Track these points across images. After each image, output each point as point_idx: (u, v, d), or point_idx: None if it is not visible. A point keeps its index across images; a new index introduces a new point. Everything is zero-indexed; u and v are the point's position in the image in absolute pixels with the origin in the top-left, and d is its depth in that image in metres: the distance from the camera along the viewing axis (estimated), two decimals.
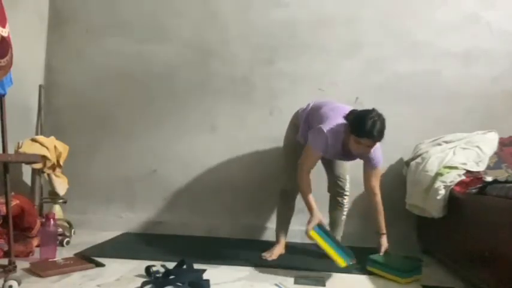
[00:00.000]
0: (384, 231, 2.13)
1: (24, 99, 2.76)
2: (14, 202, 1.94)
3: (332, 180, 2.36)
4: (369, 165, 2.08)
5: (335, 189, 2.35)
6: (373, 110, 1.89)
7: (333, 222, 2.40)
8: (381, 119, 1.86)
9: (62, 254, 2.10)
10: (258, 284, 1.77)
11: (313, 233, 1.87)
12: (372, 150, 1.98)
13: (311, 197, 2.02)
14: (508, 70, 2.61)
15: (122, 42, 2.91)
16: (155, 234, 2.70)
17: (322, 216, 1.98)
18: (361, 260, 2.22)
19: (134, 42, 2.90)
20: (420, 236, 2.48)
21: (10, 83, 1.82)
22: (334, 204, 2.37)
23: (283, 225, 2.33)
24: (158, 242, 2.47)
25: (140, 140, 2.89)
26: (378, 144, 1.98)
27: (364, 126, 1.83)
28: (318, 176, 2.28)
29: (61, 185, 2.54)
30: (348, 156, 2.08)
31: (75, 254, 2.10)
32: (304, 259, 2.20)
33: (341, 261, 1.86)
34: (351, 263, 1.89)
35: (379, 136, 1.86)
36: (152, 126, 2.89)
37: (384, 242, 2.12)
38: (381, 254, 2.06)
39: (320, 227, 1.92)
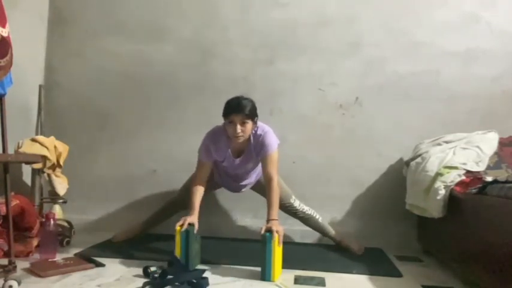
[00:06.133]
0: (273, 217, 1.93)
1: (24, 99, 2.76)
2: (14, 202, 1.93)
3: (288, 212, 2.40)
4: (263, 153, 2.11)
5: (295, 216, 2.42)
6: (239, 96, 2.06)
7: (317, 230, 2.46)
8: (244, 98, 2.04)
9: (62, 254, 2.10)
10: (258, 284, 1.77)
11: (179, 229, 1.84)
12: (263, 137, 2.09)
13: (197, 199, 2.06)
14: (508, 70, 2.61)
15: (122, 42, 2.91)
16: (155, 234, 2.69)
17: (196, 220, 1.94)
18: (360, 259, 2.23)
19: (134, 42, 2.90)
20: (420, 236, 2.48)
21: (10, 83, 1.82)
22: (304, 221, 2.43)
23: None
24: (158, 242, 2.47)
25: (140, 140, 2.89)
26: (267, 128, 2.12)
27: (229, 105, 2.03)
28: None
29: (61, 185, 2.54)
30: (243, 161, 2.16)
31: (75, 254, 2.10)
32: (304, 259, 2.20)
33: None
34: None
35: (244, 108, 1.98)
36: (152, 126, 2.89)
37: (274, 225, 1.87)
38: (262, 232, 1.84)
39: (191, 228, 1.86)
